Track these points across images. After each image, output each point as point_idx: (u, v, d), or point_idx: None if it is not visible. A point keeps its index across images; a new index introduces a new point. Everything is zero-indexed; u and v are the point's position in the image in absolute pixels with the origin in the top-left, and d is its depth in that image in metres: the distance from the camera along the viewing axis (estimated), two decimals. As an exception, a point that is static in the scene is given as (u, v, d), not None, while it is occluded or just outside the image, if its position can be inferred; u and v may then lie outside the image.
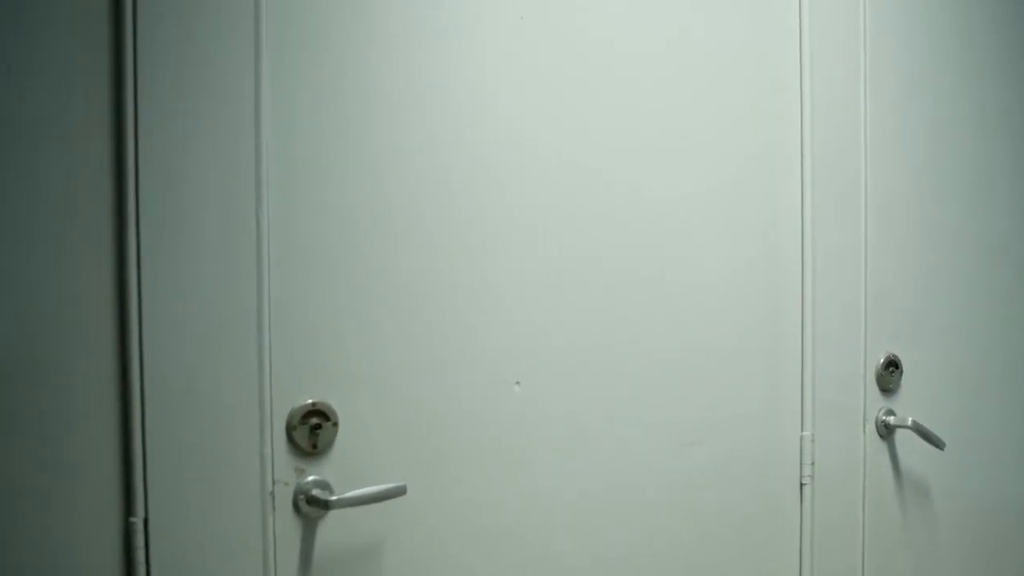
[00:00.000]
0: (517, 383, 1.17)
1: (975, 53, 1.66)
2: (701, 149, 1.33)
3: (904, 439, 1.56)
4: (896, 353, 1.54)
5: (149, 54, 0.92)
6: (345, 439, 1.04)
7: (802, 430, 1.44)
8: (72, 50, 0.89)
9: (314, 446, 1.02)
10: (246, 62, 0.98)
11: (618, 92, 1.25)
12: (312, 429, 1.02)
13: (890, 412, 1.54)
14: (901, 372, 1.55)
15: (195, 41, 0.95)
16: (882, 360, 1.52)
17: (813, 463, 1.44)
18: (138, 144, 0.91)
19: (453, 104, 1.12)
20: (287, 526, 1.01)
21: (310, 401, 1.02)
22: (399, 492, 1.04)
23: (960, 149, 1.64)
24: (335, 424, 1.04)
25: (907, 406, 1.56)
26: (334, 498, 1.00)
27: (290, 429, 1.01)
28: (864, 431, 1.52)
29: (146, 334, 0.92)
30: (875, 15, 1.51)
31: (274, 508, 0.99)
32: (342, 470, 1.04)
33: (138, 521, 0.91)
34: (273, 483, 0.99)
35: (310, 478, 1.02)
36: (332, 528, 1.04)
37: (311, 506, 1.01)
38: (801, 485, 1.44)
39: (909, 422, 1.52)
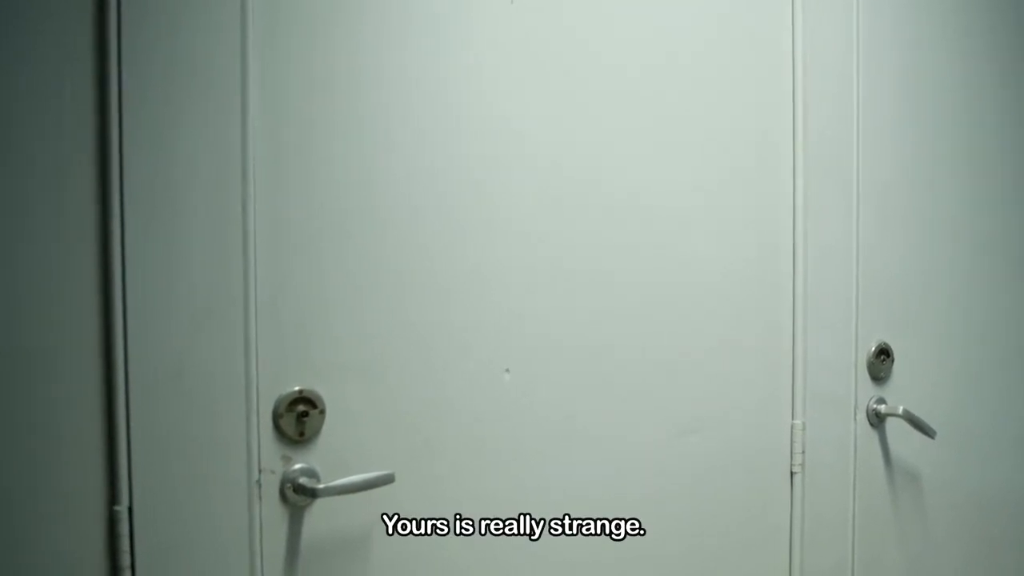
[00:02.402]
0: (507, 371, 1.16)
1: (970, 41, 1.65)
2: (693, 137, 1.32)
3: (895, 428, 1.56)
4: (887, 341, 1.54)
5: (133, 41, 0.90)
6: (332, 427, 1.04)
7: (793, 419, 1.44)
8: (55, 33, 0.87)
9: (301, 434, 1.01)
10: (233, 46, 0.96)
11: (609, 81, 1.24)
12: (299, 417, 1.01)
13: (881, 400, 1.54)
14: (892, 360, 1.55)
15: (181, 28, 0.93)
16: (873, 348, 1.52)
17: (804, 452, 1.44)
18: (122, 128, 0.90)
19: (444, 92, 1.10)
20: (273, 515, 1.00)
21: (297, 388, 1.01)
22: (387, 480, 1.03)
23: (955, 137, 1.63)
24: (322, 412, 1.03)
25: (898, 395, 1.56)
26: (321, 486, 0.99)
27: (277, 417, 1.00)
28: (855, 420, 1.51)
29: (131, 320, 0.91)
30: (869, 2, 1.50)
31: (260, 496, 0.99)
32: (329, 458, 1.03)
33: (122, 509, 0.90)
34: (259, 471, 0.99)
35: (297, 466, 1.01)
36: (319, 517, 1.03)
37: (298, 494, 1.00)
38: (792, 474, 1.44)
39: (900, 411, 1.52)
